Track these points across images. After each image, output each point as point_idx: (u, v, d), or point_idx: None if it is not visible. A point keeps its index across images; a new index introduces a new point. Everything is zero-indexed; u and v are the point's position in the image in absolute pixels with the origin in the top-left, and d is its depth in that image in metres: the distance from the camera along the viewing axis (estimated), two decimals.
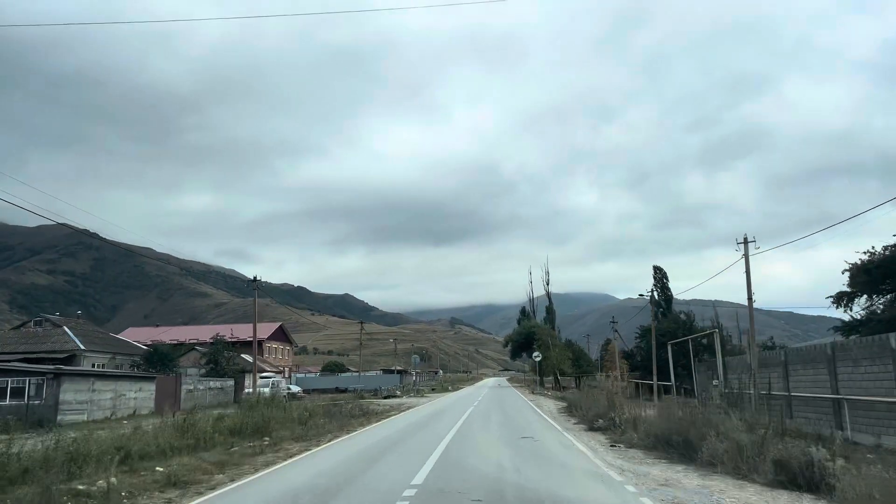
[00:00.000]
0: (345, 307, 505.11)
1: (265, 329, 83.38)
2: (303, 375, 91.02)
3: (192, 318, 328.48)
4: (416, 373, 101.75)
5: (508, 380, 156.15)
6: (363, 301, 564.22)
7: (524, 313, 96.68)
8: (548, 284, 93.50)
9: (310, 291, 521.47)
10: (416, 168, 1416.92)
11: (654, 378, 50.65)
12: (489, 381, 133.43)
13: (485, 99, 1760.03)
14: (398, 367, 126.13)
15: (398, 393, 59.32)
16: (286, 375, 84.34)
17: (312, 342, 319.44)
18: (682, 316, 59.40)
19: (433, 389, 78.40)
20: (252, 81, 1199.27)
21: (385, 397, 55.44)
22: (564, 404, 37.93)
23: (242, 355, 69.79)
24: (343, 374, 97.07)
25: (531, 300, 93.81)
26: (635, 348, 61.56)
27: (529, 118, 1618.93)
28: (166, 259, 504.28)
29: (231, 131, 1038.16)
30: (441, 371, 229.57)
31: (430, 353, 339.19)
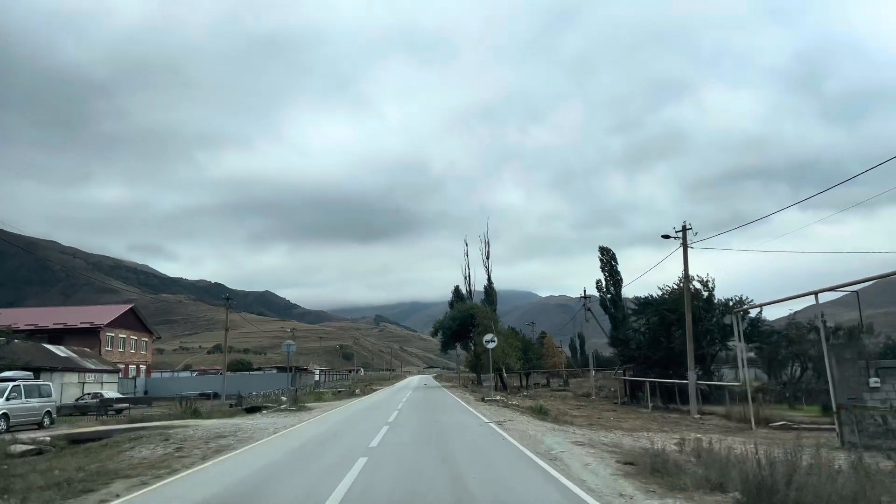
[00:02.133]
0: (265, 305, 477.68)
1: (106, 313, 59.53)
2: (169, 375, 67.69)
3: None
4: (321, 371, 79.00)
5: (436, 377, 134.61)
6: (284, 298, 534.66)
7: (458, 295, 75.59)
8: (488, 259, 72.85)
9: (228, 288, 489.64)
10: (343, 163, 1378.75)
11: (692, 378, 30.35)
12: (414, 380, 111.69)
13: (415, 95, 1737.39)
14: (318, 367, 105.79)
15: (271, 404, 36.68)
16: (135, 375, 60.77)
17: (229, 340, 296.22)
18: (697, 283, 39.41)
19: (337, 393, 56.14)
20: (172, 68, 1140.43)
21: (248, 410, 32.95)
22: (626, 462, 16.84)
23: (51, 346, 46.10)
24: (249, 373, 75.32)
25: (467, 278, 72.93)
26: (630, 332, 41.13)
27: (459, 116, 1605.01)
28: (72, 253, 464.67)
29: (147, 120, 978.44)
30: (362, 369, 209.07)
31: (352, 350, 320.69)
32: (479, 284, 77.10)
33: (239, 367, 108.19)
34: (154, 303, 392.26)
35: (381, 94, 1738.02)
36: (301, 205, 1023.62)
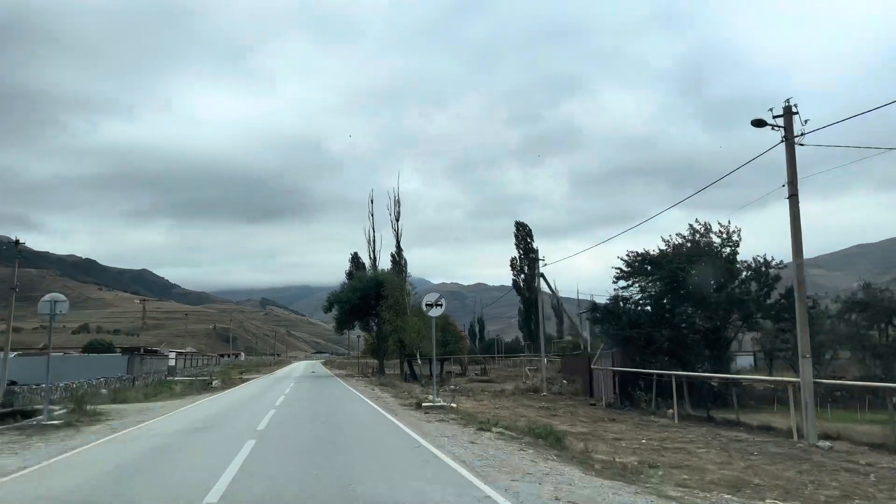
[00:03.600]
0: (142, 284, 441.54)
1: None
2: None
3: None
4: (182, 355, 61.69)
5: (325, 364, 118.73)
6: (163, 278, 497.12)
7: (358, 264, 60.91)
8: (397, 220, 58.47)
9: (100, 265, 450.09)
10: (235, 138, 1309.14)
11: (807, 371, 17.24)
12: (300, 367, 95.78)
13: (315, 73, 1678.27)
14: (176, 350, 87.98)
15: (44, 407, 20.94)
16: None
17: (97, 319, 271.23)
18: (714, 236, 26.79)
19: (189, 385, 40.17)
20: (43, 23, 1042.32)
21: None
22: None
23: None
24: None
25: (371, 242, 58.13)
26: (622, 303, 27.78)
27: (361, 98, 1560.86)
28: None
29: (11, 78, 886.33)
30: (243, 354, 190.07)
31: (234, 333, 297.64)
32: (384, 253, 63.14)
33: (97, 348, 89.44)
34: (13, 278, 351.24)
35: (279, 68, 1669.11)
36: (187, 179, 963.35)
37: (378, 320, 56.12)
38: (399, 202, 59.43)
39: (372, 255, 58.44)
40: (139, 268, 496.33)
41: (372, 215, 59.75)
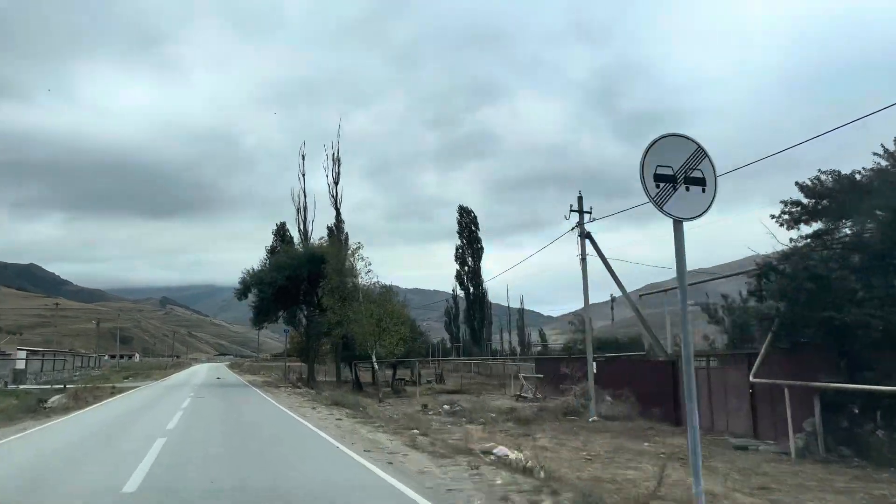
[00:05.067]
0: (30, 279, 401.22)
1: None
2: None
3: None
4: (38, 356, 44.13)
5: (232, 367, 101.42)
6: (54, 273, 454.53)
7: (283, 237, 45.91)
8: (336, 185, 44.11)
9: None
10: (141, 129, 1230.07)
11: None
12: (201, 371, 78.66)
13: (231, 65, 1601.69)
14: (27, 348, 71.08)
15: None
16: None
17: None
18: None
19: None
20: None
21: None
22: None
23: None
24: None
25: (301, 210, 43.40)
26: (822, 263, 14.54)
27: (278, 92, 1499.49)
28: None
29: None
30: (138, 355, 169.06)
31: (131, 333, 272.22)
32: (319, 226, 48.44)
33: None
34: None
35: (191, 58, 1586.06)
36: (85, 170, 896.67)
37: (309, 311, 41.66)
38: (339, 160, 45.22)
39: (302, 227, 43.86)
40: (27, 262, 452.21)
41: (303, 175, 45.21)
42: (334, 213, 44.21)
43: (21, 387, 36.81)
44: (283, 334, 57.09)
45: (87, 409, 21.51)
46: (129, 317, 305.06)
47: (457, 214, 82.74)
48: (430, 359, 47.22)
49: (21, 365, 41.02)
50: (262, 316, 40.11)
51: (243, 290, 39.06)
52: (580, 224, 22.71)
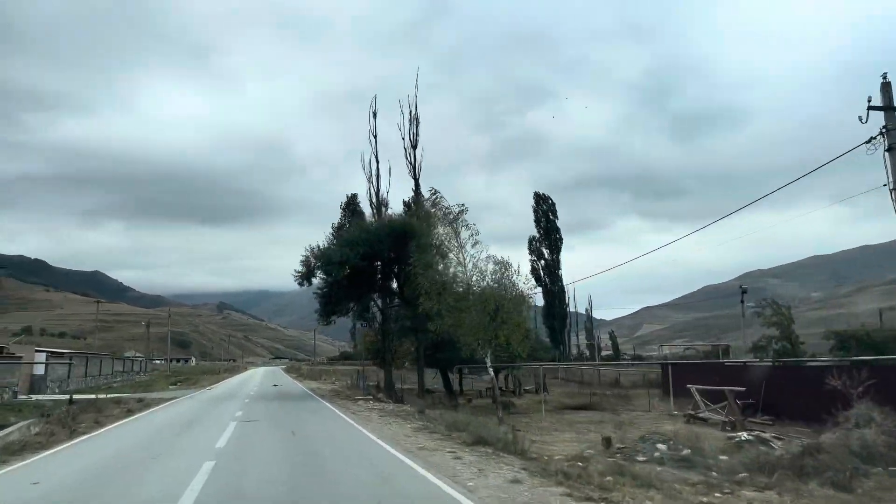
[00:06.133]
0: (94, 286, 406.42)
1: None
2: None
3: None
4: (48, 357, 35.54)
5: (288, 371, 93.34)
6: (117, 280, 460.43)
7: (353, 209, 36.75)
8: (415, 148, 35.12)
9: (50, 266, 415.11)
10: (196, 139, 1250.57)
11: None
12: (257, 376, 70.67)
13: (283, 73, 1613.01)
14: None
15: None
16: None
17: (42, 322, 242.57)
18: None
19: None
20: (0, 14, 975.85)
21: None
22: None
23: None
24: None
25: (373, 179, 34.47)
26: None
27: (329, 100, 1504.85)
28: None
29: None
30: (193, 359, 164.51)
31: (190, 338, 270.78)
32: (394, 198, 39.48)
33: None
34: None
35: (244, 68, 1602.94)
36: (144, 180, 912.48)
37: (385, 302, 32.54)
38: (417, 119, 36.05)
39: (375, 200, 34.76)
40: (91, 269, 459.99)
41: (374, 136, 36.12)
42: (412, 183, 35.11)
43: (33, 398, 28.64)
44: (340, 338, 48.06)
45: (47, 452, 12.52)
46: (188, 321, 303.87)
47: (532, 202, 72.95)
48: (533, 364, 37.70)
49: (40, 370, 32.98)
50: (330, 307, 30.94)
51: (306, 274, 30.05)
52: (887, 131, 12.82)
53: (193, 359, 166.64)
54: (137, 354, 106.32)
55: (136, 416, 19.66)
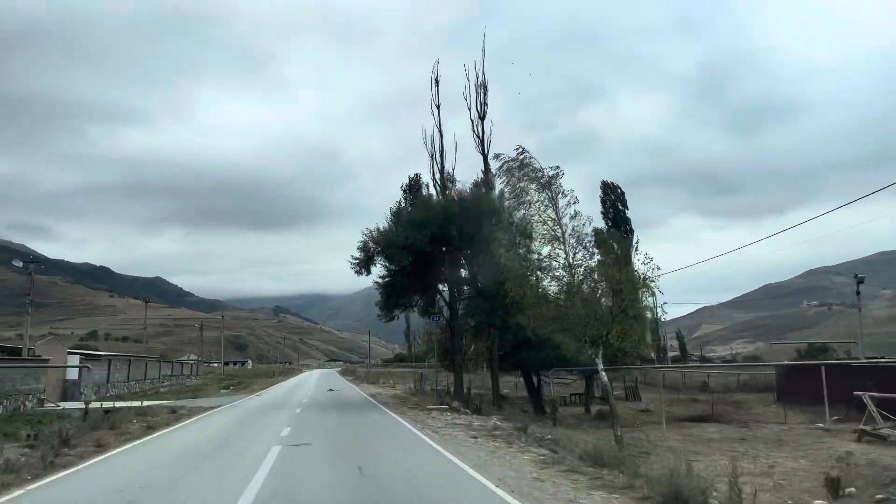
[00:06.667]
0: (155, 291, 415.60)
1: None
2: None
3: None
4: (82, 360, 31.64)
5: (343, 373, 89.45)
6: (177, 286, 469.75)
7: (416, 189, 31.89)
8: (482, 119, 30.28)
9: (114, 272, 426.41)
10: (250, 146, 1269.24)
11: None
12: (311, 379, 66.87)
13: (333, 79, 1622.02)
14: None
15: None
16: None
17: (106, 327, 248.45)
18: None
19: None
20: (64, 32, 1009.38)
21: None
22: None
23: None
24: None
25: (436, 153, 29.81)
26: None
27: (379, 103, 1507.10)
28: None
29: (32, 86, 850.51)
30: (250, 361, 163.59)
31: (247, 341, 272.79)
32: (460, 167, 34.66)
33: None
34: (23, 286, 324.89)
35: (297, 75, 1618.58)
36: (201, 188, 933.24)
37: (456, 294, 27.65)
38: (485, 86, 31.15)
39: (439, 177, 29.97)
40: (152, 276, 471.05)
41: (437, 106, 31.35)
42: (481, 160, 30.19)
43: (61, 406, 24.79)
44: (393, 340, 43.23)
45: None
46: (245, 325, 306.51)
47: (599, 192, 67.20)
48: (649, 367, 32.23)
49: (73, 375, 29.25)
50: (393, 299, 26.15)
51: (364, 261, 25.36)
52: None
53: (250, 361, 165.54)
54: (194, 357, 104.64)
55: (155, 433, 15.19)
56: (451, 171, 29.29)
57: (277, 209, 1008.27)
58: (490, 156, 30.04)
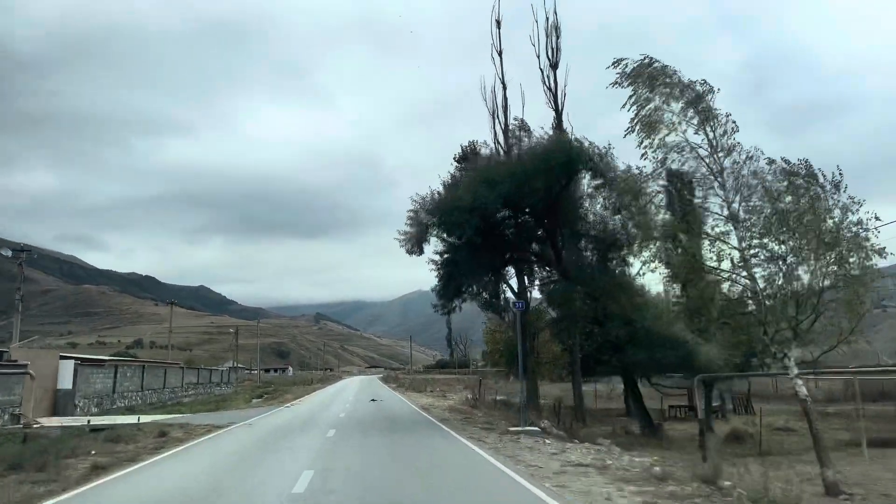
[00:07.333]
0: (199, 300, 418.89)
1: None
2: None
3: (9, 305, 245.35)
4: (120, 369, 26.14)
5: (385, 380, 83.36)
6: (220, 294, 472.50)
7: (469, 155, 25.60)
8: (554, 69, 24.18)
9: (159, 282, 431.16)
10: (291, 156, 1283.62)
11: None
12: (352, 386, 61.16)
13: (373, 87, 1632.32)
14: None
15: None
16: None
17: (151, 335, 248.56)
18: None
19: None
20: (110, 48, 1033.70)
21: None
22: None
23: None
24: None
25: (499, 107, 23.89)
26: None
27: (418, 111, 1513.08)
28: None
29: (80, 102, 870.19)
30: (291, 369, 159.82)
31: (288, 348, 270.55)
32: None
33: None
34: (73, 294, 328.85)
35: (337, 84, 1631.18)
36: (243, 197, 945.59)
37: (526, 282, 21.41)
38: (558, 28, 24.94)
39: (503, 137, 23.88)
40: (197, 284, 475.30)
41: (499, 53, 25.41)
42: (553, 115, 23.94)
43: (39, 423, 19.30)
44: (433, 346, 36.85)
45: None
46: (287, 332, 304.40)
47: (663, 181, 60.02)
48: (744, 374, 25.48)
49: (66, 384, 23.87)
50: (454, 284, 19.71)
51: (416, 237, 19.21)
52: None
53: (290, 368, 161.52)
54: (228, 364, 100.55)
55: (89, 484, 9.26)
56: (519, 120, 23.06)
57: (318, 217, 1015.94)
58: (564, 108, 23.82)
